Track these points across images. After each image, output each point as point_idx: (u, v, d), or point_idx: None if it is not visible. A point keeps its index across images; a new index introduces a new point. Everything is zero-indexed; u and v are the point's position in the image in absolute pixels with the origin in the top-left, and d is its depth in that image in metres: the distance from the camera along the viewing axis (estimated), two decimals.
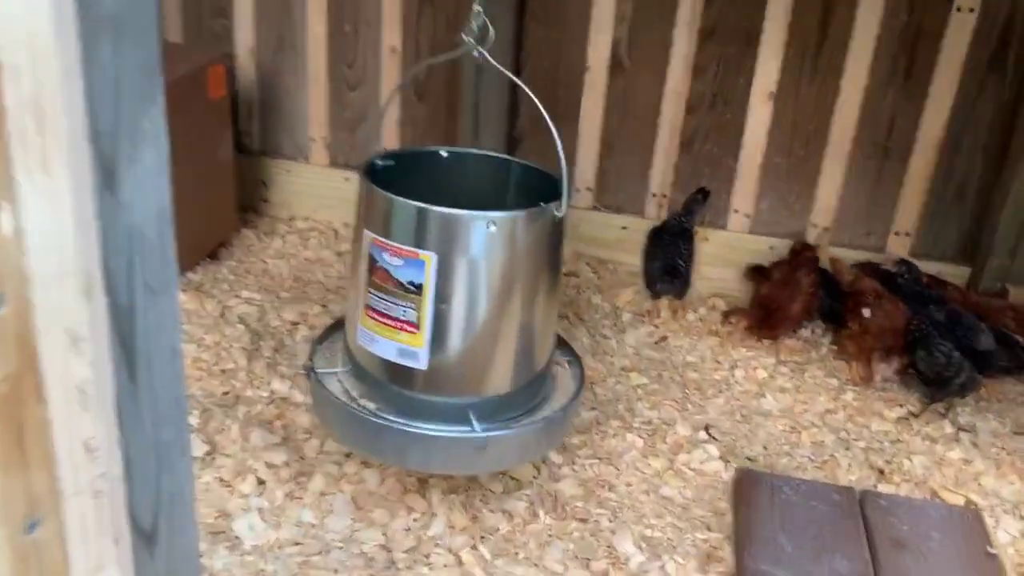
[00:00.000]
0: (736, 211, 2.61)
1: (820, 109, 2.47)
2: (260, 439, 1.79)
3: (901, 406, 2.11)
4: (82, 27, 0.61)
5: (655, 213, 2.65)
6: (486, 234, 1.34)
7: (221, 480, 1.68)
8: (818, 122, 2.48)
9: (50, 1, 0.58)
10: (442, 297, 1.36)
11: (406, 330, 1.38)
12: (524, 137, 2.67)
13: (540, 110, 1.46)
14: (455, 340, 1.41)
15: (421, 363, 1.40)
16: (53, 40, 0.59)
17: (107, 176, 0.67)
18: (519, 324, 1.45)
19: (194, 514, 0.96)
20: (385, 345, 1.42)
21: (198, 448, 1.75)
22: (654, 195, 2.64)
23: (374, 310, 1.41)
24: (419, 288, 1.35)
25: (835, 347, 2.34)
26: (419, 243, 1.34)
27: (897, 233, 2.55)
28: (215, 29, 2.71)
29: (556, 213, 1.40)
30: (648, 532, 1.67)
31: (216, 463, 1.72)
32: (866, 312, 2.05)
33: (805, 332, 2.43)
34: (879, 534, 1.59)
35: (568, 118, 2.61)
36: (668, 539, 1.66)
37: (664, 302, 2.49)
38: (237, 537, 1.56)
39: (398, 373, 1.45)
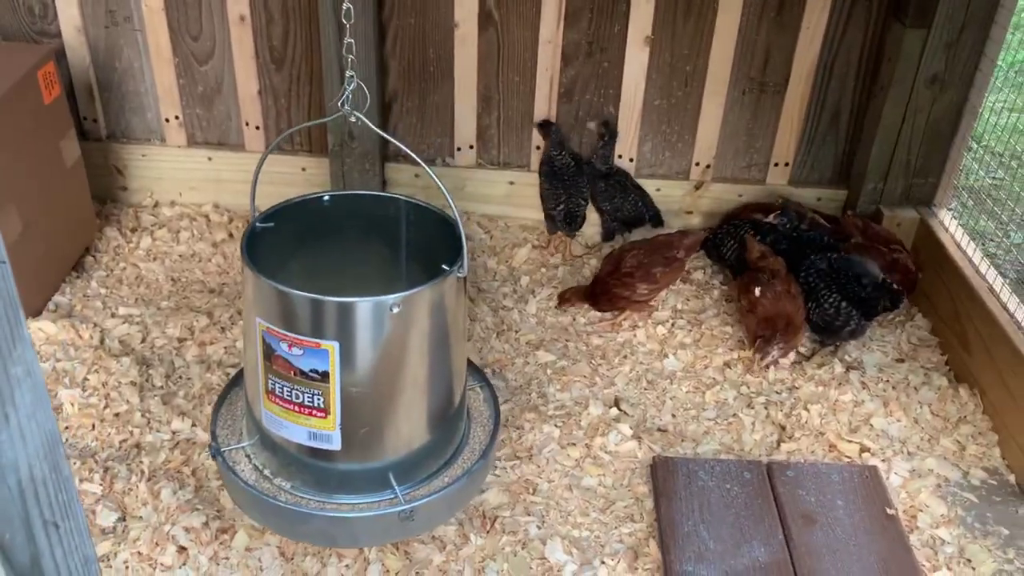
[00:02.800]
0: (619, 156, 2.58)
1: (696, 49, 2.42)
2: (172, 496, 1.72)
3: (795, 350, 2.21)
4: None
5: (534, 157, 2.59)
6: (388, 317, 1.27)
7: (139, 555, 1.62)
8: (695, 62, 2.44)
9: None
10: (350, 382, 1.30)
11: (315, 415, 1.33)
12: (396, 99, 2.52)
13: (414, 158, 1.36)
14: (369, 415, 1.37)
15: (334, 444, 1.35)
16: None
17: None
18: (431, 382, 1.42)
19: None
20: (294, 429, 1.36)
21: (108, 517, 1.67)
22: (537, 148, 2.57)
23: (277, 396, 1.34)
24: (324, 375, 1.29)
25: (726, 287, 2.41)
26: (318, 333, 1.26)
27: (776, 164, 2.59)
28: (31, 6, 2.40)
29: (460, 275, 1.34)
30: (576, 533, 1.73)
31: (130, 535, 1.65)
32: (756, 291, 2.09)
33: (698, 275, 2.48)
34: (790, 509, 1.70)
35: (442, 76, 2.48)
36: (596, 538, 1.72)
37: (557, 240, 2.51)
38: None
39: (312, 450, 1.40)
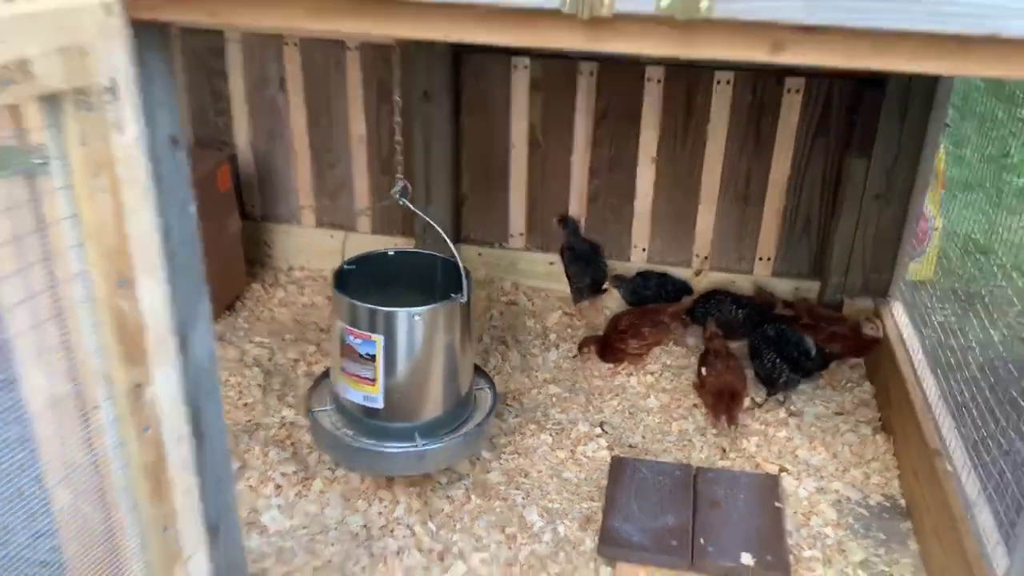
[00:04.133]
0: (635, 246, 3.32)
1: (691, 168, 3.17)
2: (275, 455, 2.53)
3: (750, 398, 2.83)
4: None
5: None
6: (413, 322, 2.06)
7: (250, 487, 2.42)
8: (691, 178, 3.18)
9: None
10: (389, 362, 2.08)
11: (367, 384, 2.11)
12: (467, 198, 3.38)
13: (439, 228, 2.16)
14: (401, 388, 2.14)
15: (379, 404, 2.13)
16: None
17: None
18: (444, 372, 2.18)
19: (236, 514, 1.70)
20: (355, 394, 2.15)
21: (233, 465, 2.49)
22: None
23: (346, 372, 2.14)
24: (373, 357, 2.07)
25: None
26: (371, 329, 2.06)
27: (760, 258, 3.26)
28: (219, 126, 3.42)
29: (461, 300, 2.12)
30: (549, 504, 2.40)
31: (246, 475, 2.45)
32: (703, 371, 2.75)
33: (691, 340, 3.15)
34: (702, 498, 2.32)
35: (501, 183, 3.32)
36: (562, 508, 2.39)
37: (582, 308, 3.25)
38: (264, 525, 2.30)
39: (366, 409, 2.18)
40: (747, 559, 2.12)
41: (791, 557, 2.20)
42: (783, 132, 3.05)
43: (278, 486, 2.42)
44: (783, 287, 3.23)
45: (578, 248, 3.21)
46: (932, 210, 3.08)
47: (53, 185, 1.21)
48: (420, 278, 2.31)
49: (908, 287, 3.03)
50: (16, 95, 1.08)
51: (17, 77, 1.06)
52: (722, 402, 2.65)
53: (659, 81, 3.05)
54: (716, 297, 3.11)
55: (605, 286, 3.24)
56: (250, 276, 3.48)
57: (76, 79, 1.12)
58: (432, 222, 2.20)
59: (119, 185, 1.24)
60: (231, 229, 3.26)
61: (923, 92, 2.77)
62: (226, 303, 3.28)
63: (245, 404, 2.76)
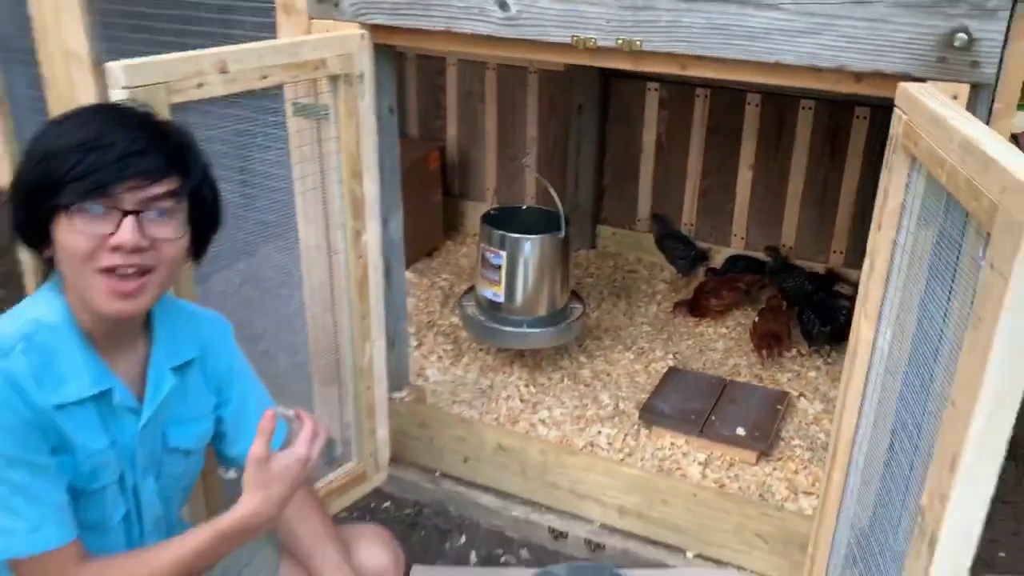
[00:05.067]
0: (735, 235, 4.23)
1: (781, 174, 4.03)
2: (441, 340, 3.72)
3: (796, 349, 3.66)
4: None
5: (683, 232, 4.32)
6: (529, 246, 3.17)
7: (422, 355, 3.62)
8: (780, 182, 4.05)
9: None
10: (509, 271, 3.20)
11: (494, 285, 3.24)
12: (607, 189, 4.44)
13: (555, 198, 3.26)
14: (517, 291, 3.25)
15: (501, 299, 3.25)
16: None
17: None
18: (545, 283, 3.26)
19: (406, 338, 2.89)
20: (487, 291, 3.28)
21: (413, 342, 3.71)
22: (685, 224, 4.31)
23: (482, 277, 3.28)
24: (499, 267, 3.20)
25: None
26: (500, 247, 3.19)
27: (834, 251, 4.05)
28: (436, 126, 4.73)
29: (559, 236, 3.21)
30: (618, 392, 3.39)
31: (420, 350, 3.66)
32: (756, 319, 3.62)
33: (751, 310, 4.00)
34: (724, 397, 3.21)
35: (632, 178, 4.35)
36: (626, 395, 3.37)
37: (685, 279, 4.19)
38: (427, 376, 3.48)
39: (494, 304, 3.31)
40: (740, 431, 3.01)
41: (780, 441, 3.06)
42: (853, 150, 3.85)
43: (439, 356, 3.60)
44: (853, 276, 3.99)
45: (674, 233, 4.18)
46: None
47: (329, 123, 2.45)
48: (541, 224, 3.41)
49: None
50: (319, 75, 2.32)
51: (320, 67, 2.30)
52: (765, 342, 3.51)
53: (756, 105, 3.97)
54: (795, 270, 3.94)
55: (702, 263, 4.18)
56: (446, 236, 4.74)
57: (345, 69, 2.35)
58: (548, 184, 3.29)
59: (360, 125, 2.46)
60: (434, 200, 4.54)
61: None
62: (426, 251, 4.55)
63: (428, 311, 3.99)
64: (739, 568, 2.60)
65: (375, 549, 2.00)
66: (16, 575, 1.46)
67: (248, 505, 1.57)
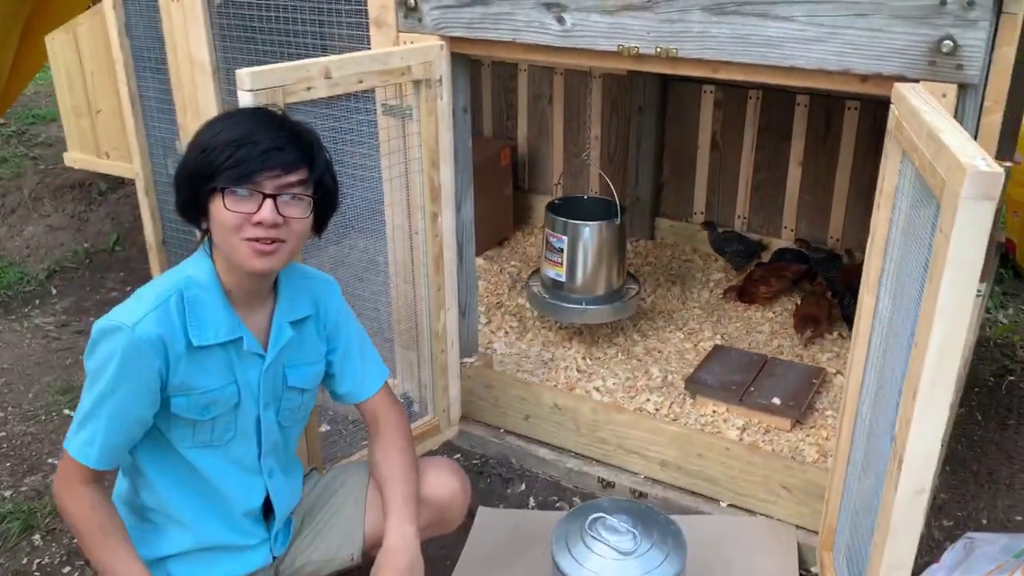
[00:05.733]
0: (785, 227, 4.50)
1: (828, 169, 4.30)
2: (509, 318, 4.11)
3: (837, 332, 3.92)
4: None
5: (737, 225, 4.62)
6: (588, 231, 3.54)
7: (491, 331, 4.02)
8: (827, 178, 4.31)
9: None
10: (571, 254, 3.57)
11: (557, 266, 3.62)
12: (665, 184, 4.77)
13: (612, 190, 3.62)
14: (577, 271, 3.62)
15: (563, 279, 3.63)
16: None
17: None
18: (603, 266, 3.62)
19: (476, 312, 3.30)
20: (550, 272, 3.66)
21: (482, 320, 4.11)
22: (738, 217, 4.61)
23: (546, 259, 3.66)
24: (561, 250, 3.58)
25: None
26: (562, 233, 3.56)
27: None
28: (508, 126, 5.14)
29: (616, 223, 3.56)
30: (668, 367, 3.73)
31: (489, 326, 4.06)
32: (799, 303, 3.90)
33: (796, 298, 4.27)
34: (764, 372, 3.52)
35: (689, 173, 4.67)
36: (675, 369, 3.71)
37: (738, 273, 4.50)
38: (495, 349, 3.87)
39: (557, 283, 3.69)
40: (776, 400, 3.32)
41: (814, 412, 3.35)
42: None
43: (506, 332, 4.00)
44: None
45: (725, 235, 4.48)
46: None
47: (412, 120, 2.87)
48: (600, 212, 3.77)
49: None
50: (405, 80, 2.74)
51: (406, 72, 2.72)
52: (805, 324, 3.80)
53: (805, 106, 4.25)
54: (839, 260, 4.21)
55: (759, 255, 4.47)
56: (515, 227, 5.14)
57: (426, 75, 2.77)
58: (605, 176, 3.66)
59: (438, 122, 2.87)
60: (505, 193, 4.94)
61: None
62: (497, 241, 4.96)
63: (496, 293, 4.39)
64: (767, 516, 2.91)
65: (446, 477, 2.39)
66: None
67: None
